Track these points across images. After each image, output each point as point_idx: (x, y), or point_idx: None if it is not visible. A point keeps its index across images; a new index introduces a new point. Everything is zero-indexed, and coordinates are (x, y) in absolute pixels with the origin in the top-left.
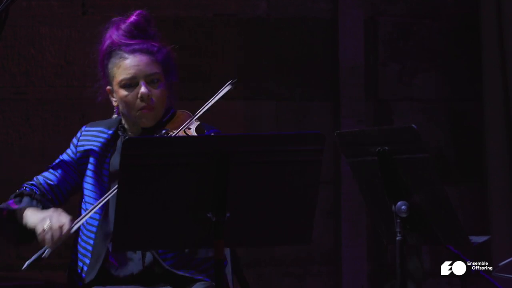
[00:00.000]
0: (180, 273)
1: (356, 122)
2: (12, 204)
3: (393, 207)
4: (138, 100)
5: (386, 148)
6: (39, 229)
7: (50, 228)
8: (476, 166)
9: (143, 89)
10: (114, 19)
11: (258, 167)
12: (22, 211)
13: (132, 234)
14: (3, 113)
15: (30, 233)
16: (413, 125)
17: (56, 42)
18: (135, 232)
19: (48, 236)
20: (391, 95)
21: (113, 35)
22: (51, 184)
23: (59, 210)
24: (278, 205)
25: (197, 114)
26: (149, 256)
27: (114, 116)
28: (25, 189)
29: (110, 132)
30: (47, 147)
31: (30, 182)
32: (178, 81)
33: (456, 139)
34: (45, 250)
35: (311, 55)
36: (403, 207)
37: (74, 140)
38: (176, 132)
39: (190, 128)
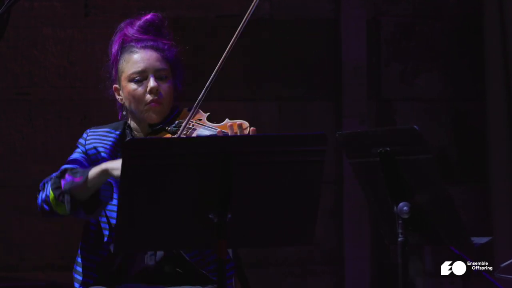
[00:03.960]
0: (202, 271)
1: (358, 122)
2: (75, 179)
3: (395, 208)
4: (147, 94)
5: (388, 149)
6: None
7: None
8: (479, 167)
9: (152, 82)
10: (128, 19)
11: (261, 167)
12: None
13: (134, 235)
14: (6, 114)
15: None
16: (415, 126)
17: (59, 43)
18: (137, 233)
19: None
20: (394, 95)
21: (127, 31)
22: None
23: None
24: (280, 205)
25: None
26: (159, 254)
27: (122, 115)
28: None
29: (118, 132)
30: (50, 147)
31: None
32: (184, 87)
33: (459, 139)
34: None
35: (313, 55)
36: (405, 208)
37: (82, 141)
38: (188, 118)
39: (201, 119)
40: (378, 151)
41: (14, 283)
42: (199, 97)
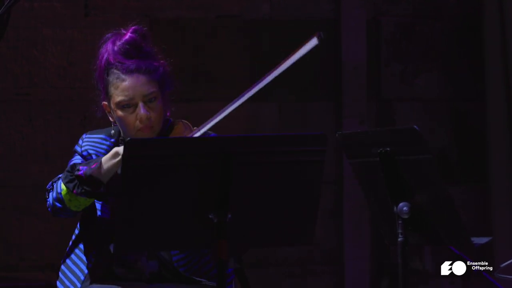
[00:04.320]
0: (190, 276)
1: (358, 122)
2: (90, 166)
3: (395, 208)
4: (137, 122)
5: (388, 149)
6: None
7: None
8: (479, 167)
9: (141, 111)
10: (109, 35)
11: (261, 167)
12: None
13: (135, 235)
14: (6, 114)
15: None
16: (415, 126)
17: (59, 43)
18: (137, 233)
19: None
20: (394, 95)
21: (109, 52)
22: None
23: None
24: (280, 205)
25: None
26: (153, 265)
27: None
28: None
29: (112, 140)
30: (50, 148)
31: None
32: (173, 88)
33: (459, 139)
34: None
35: (313, 55)
36: (405, 208)
37: (77, 148)
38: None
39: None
40: (378, 151)
41: (14, 283)
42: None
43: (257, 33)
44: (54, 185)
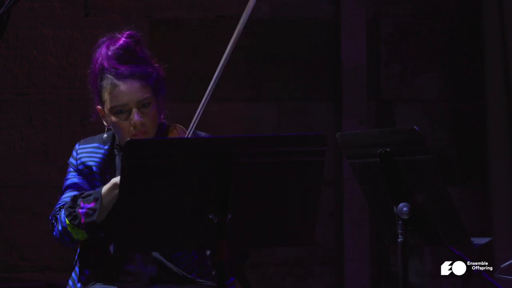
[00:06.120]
0: (191, 276)
1: (358, 123)
2: (89, 205)
3: (395, 208)
4: (131, 127)
5: (388, 149)
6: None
7: None
8: (479, 167)
9: (136, 117)
10: (103, 39)
11: (260, 168)
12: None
13: (134, 236)
14: (6, 114)
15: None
16: (415, 127)
17: (59, 43)
18: (136, 234)
19: None
20: (393, 95)
21: (103, 57)
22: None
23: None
24: (280, 206)
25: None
26: (152, 270)
27: (106, 131)
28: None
29: (106, 147)
30: (50, 148)
31: (59, 206)
32: (165, 93)
33: (459, 139)
34: None
35: (313, 56)
36: (404, 208)
37: (72, 160)
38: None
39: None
40: (378, 151)
41: (13, 283)
42: (197, 113)
43: (257, 33)
44: (58, 218)
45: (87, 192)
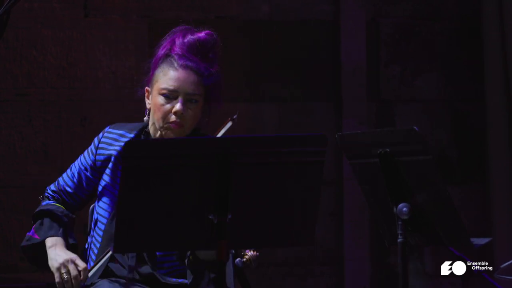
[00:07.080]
0: (174, 280)
1: (358, 123)
2: (33, 234)
3: (395, 208)
4: (171, 114)
5: (388, 149)
6: (57, 277)
7: (67, 281)
8: (479, 167)
9: (179, 105)
10: (180, 27)
11: (260, 168)
12: (42, 243)
13: (134, 236)
14: (5, 115)
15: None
16: (415, 127)
17: (58, 44)
18: (136, 234)
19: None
20: (393, 96)
21: (177, 40)
22: (69, 192)
23: (75, 258)
24: (280, 206)
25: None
26: (146, 268)
27: (145, 119)
28: (48, 197)
29: (131, 135)
30: (50, 148)
31: (52, 189)
32: (218, 103)
33: (459, 140)
34: None
35: (313, 56)
36: (404, 209)
37: (95, 141)
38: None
39: None
40: (378, 152)
41: (13, 283)
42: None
43: (257, 34)
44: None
45: (47, 224)
